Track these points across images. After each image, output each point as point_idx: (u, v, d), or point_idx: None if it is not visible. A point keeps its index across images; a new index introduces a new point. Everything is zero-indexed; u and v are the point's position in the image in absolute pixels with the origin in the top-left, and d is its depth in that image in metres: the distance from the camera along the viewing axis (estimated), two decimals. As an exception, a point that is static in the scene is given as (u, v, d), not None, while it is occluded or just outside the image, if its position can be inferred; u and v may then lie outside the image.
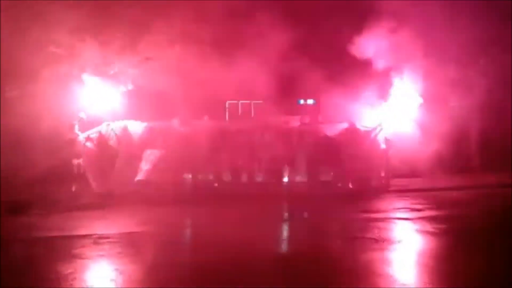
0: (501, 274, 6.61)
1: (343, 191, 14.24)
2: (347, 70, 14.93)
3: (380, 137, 14.86)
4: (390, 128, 15.08)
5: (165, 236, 9.42)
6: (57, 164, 13.46)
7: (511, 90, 16.03)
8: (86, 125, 14.52)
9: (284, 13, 14.72)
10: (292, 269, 7.11)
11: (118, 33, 14.17)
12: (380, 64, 15.40)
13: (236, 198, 13.14)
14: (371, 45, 15.16)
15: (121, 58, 14.67)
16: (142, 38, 14.26)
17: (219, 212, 11.79)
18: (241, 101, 18.50)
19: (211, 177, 14.67)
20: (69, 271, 7.07)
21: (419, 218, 10.62)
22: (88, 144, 14.35)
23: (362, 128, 14.90)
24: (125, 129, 14.62)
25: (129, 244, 8.79)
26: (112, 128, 14.58)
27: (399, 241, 8.77)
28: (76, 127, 14.34)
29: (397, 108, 15.78)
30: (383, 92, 15.80)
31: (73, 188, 13.87)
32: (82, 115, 14.61)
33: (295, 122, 15.25)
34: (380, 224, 10.14)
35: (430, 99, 15.69)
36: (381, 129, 14.83)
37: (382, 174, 14.87)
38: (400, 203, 12.77)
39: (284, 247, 9.10)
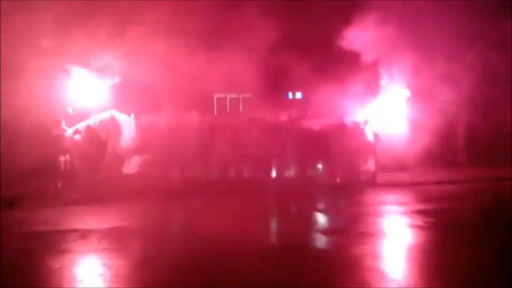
0: (489, 268, 6.63)
1: (331, 186, 14.24)
2: (336, 65, 14.92)
3: (368, 132, 14.90)
4: (379, 122, 15.13)
5: (153, 231, 9.36)
6: (44, 158, 13.30)
7: (499, 84, 16.15)
8: (74, 118, 14.35)
9: (273, 6, 14.65)
10: (278, 263, 7.06)
11: (105, 25, 14.00)
12: (369, 58, 15.40)
13: (224, 193, 13.08)
14: (360, 39, 15.14)
15: (108, 50, 14.52)
16: (129, 30, 14.11)
17: (207, 206, 11.74)
18: (229, 95, 18.43)
19: (199, 171, 14.60)
20: (57, 266, 7.00)
21: (407, 212, 10.67)
22: (76, 137, 14.18)
23: (350, 123, 14.93)
24: (113, 123, 14.47)
25: (117, 239, 8.71)
26: (100, 121, 14.43)
27: (387, 235, 8.80)
28: (63, 121, 14.17)
29: (385, 103, 15.82)
30: (372, 87, 15.82)
31: (60, 183, 13.70)
32: (69, 109, 14.44)
33: (283, 116, 15.21)
34: (368, 218, 10.17)
35: (419, 94, 15.75)
36: (369, 124, 14.87)
37: (371, 169, 14.90)
38: (388, 197, 12.83)
39: (271, 241, 9.08)
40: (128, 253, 7.76)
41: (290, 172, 14.59)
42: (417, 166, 15.67)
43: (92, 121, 14.35)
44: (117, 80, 15.24)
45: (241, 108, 18.13)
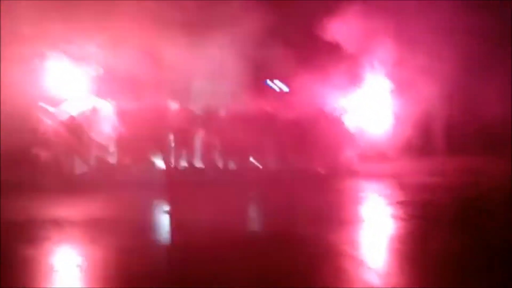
0: (470, 258, 6.66)
1: (312, 176, 14.25)
2: (317, 54, 14.89)
3: (350, 122, 14.95)
4: (361, 112, 15.17)
5: (134, 221, 9.26)
6: (23, 147, 13.13)
7: (480, 77, 16.23)
8: (54, 107, 14.17)
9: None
10: (255, 250, 7.09)
11: (87, 12, 13.80)
12: (351, 48, 15.38)
13: (206, 184, 13.08)
14: (342, 29, 15.11)
15: (90, 38, 14.32)
16: (111, 18, 13.92)
17: (189, 197, 11.67)
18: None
19: (182, 162, 14.56)
20: (33, 255, 6.92)
21: (388, 202, 10.74)
22: (56, 126, 14.04)
23: (331, 113, 14.95)
24: (94, 111, 14.35)
25: (96, 229, 8.62)
26: (80, 110, 14.29)
27: (366, 224, 8.85)
28: (43, 110, 13.99)
29: (367, 93, 15.86)
30: (354, 77, 15.82)
31: (40, 172, 13.55)
32: (49, 97, 14.24)
33: (264, 106, 15.15)
34: (348, 207, 10.22)
35: (401, 85, 15.79)
36: (350, 113, 14.92)
37: (352, 159, 14.95)
38: (369, 187, 12.89)
39: (249, 229, 9.13)
40: (107, 243, 7.68)
41: (271, 163, 14.60)
42: (398, 157, 15.73)
43: (73, 109, 14.21)
44: (99, 69, 15.03)
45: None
